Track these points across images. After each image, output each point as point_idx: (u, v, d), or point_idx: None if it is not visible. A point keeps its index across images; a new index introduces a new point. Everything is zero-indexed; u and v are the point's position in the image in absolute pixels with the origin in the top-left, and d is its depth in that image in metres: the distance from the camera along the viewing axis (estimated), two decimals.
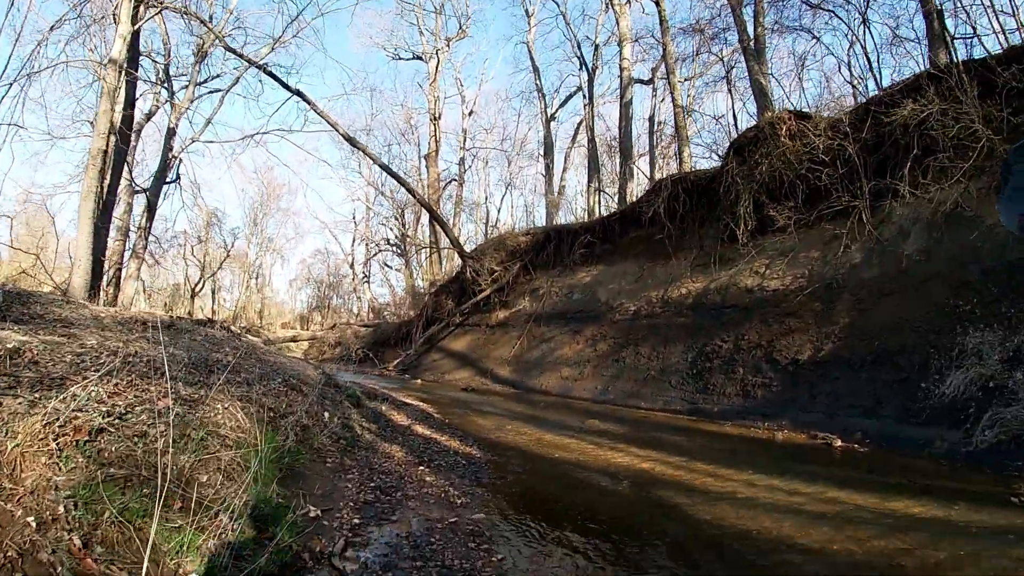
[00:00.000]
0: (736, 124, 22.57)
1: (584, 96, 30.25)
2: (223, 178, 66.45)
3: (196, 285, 45.28)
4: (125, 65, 12.49)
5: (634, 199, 19.60)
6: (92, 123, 14.87)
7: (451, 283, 23.00)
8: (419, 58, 38.05)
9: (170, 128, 21.15)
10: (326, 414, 6.17)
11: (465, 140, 41.14)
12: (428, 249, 34.13)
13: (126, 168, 20.20)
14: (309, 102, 17.27)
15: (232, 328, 33.12)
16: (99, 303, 13.91)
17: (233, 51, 17.46)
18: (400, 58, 38.92)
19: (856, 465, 6.95)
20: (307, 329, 44.57)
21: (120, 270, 19.54)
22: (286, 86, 16.97)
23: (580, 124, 39.19)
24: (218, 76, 23.22)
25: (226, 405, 4.19)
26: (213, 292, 51.57)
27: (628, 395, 13.05)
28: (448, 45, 36.40)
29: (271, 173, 51.97)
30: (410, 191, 22.99)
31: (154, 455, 3.00)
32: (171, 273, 49.16)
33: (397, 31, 47.19)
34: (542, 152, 36.49)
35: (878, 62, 18.35)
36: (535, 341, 17.80)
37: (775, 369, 10.69)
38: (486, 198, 45.87)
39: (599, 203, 26.59)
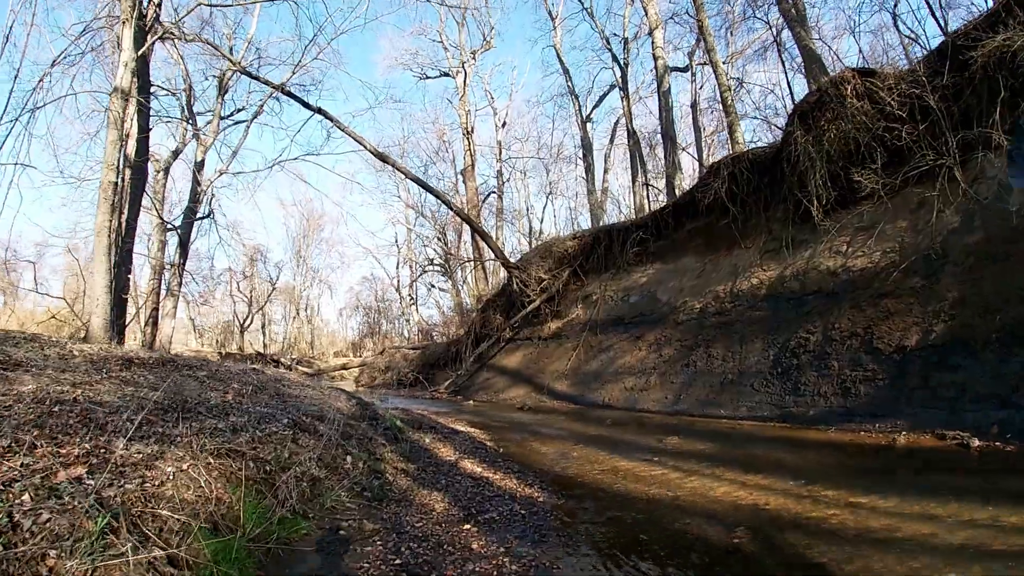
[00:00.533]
0: (791, 95, 20.84)
1: (619, 90, 28.85)
2: (259, 210, 67.05)
3: (245, 320, 45.33)
4: (134, 93, 11.75)
5: (684, 191, 18.10)
6: None
7: (498, 297, 21.79)
8: (446, 74, 37.44)
9: (197, 163, 20.68)
10: (348, 458, 4.99)
11: (501, 152, 40.22)
12: (472, 264, 33.06)
13: (155, 205, 19.76)
14: (332, 119, 16.42)
15: (282, 360, 32.63)
16: (125, 343, 13.21)
17: (250, 75, 16.78)
18: (427, 76, 38.27)
19: (1014, 469, 5.45)
20: (359, 356, 44.13)
21: (157, 309, 19.02)
22: (307, 105, 16.17)
23: (617, 123, 37.84)
24: (241, 109, 22.83)
25: (185, 465, 3.00)
26: (263, 326, 51.72)
27: (704, 403, 11.56)
28: (474, 57, 35.61)
29: (310, 204, 52.16)
30: (446, 203, 21.96)
31: (15, 564, 1.81)
32: (220, 311, 49.48)
33: (422, 50, 46.73)
34: (580, 155, 35.30)
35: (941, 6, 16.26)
36: (593, 351, 16.42)
37: (878, 360, 9.11)
38: (527, 209, 44.82)
39: (647, 198, 25.10)
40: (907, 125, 10.12)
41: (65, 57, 12.50)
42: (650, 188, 25.24)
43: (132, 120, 13.14)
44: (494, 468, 6.62)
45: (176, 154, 21.52)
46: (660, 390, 13.05)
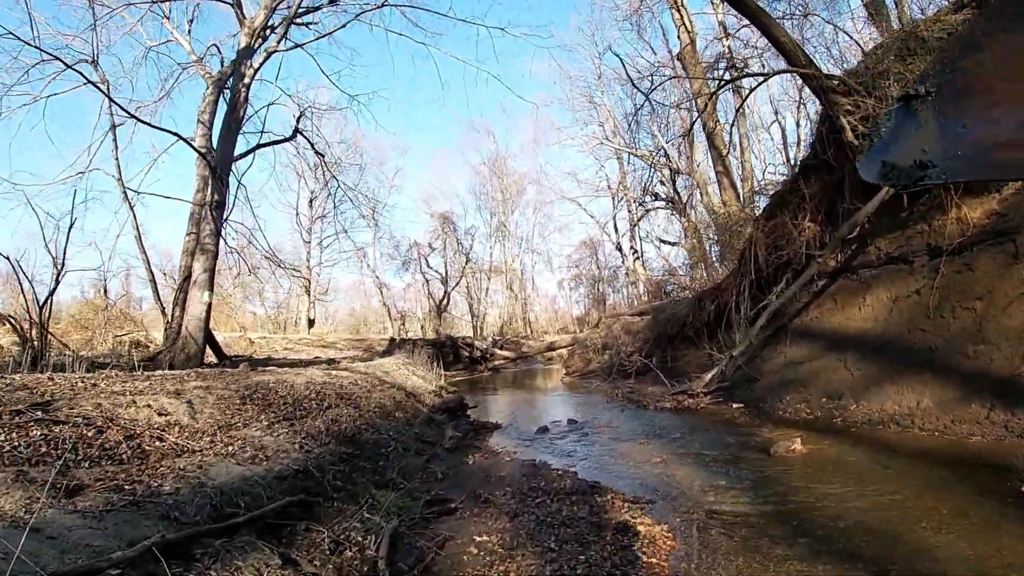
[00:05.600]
0: None
1: None
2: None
3: (441, 300, 38.51)
4: None
5: None
6: None
7: (807, 178, 10.01)
8: None
9: (240, 50, 12.55)
10: None
11: (726, 37, 27.83)
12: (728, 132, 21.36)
13: (201, 127, 12.08)
14: None
15: (475, 344, 24.33)
16: None
17: None
18: None
19: None
20: (583, 332, 35.20)
21: (188, 279, 11.26)
22: None
23: None
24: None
25: None
26: (470, 306, 44.91)
27: None
28: None
29: (503, 163, 44.01)
30: None
31: None
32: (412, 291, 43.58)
33: None
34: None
35: None
36: None
37: None
38: (775, 113, 31.70)
39: None
40: None
41: None
42: None
43: None
44: None
45: (239, 62, 13.54)
46: None
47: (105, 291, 15.84)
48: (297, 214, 31.52)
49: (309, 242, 31.19)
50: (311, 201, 31.28)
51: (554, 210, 45.62)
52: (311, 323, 29.69)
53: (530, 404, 13.44)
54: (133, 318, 15.58)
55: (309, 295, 30.04)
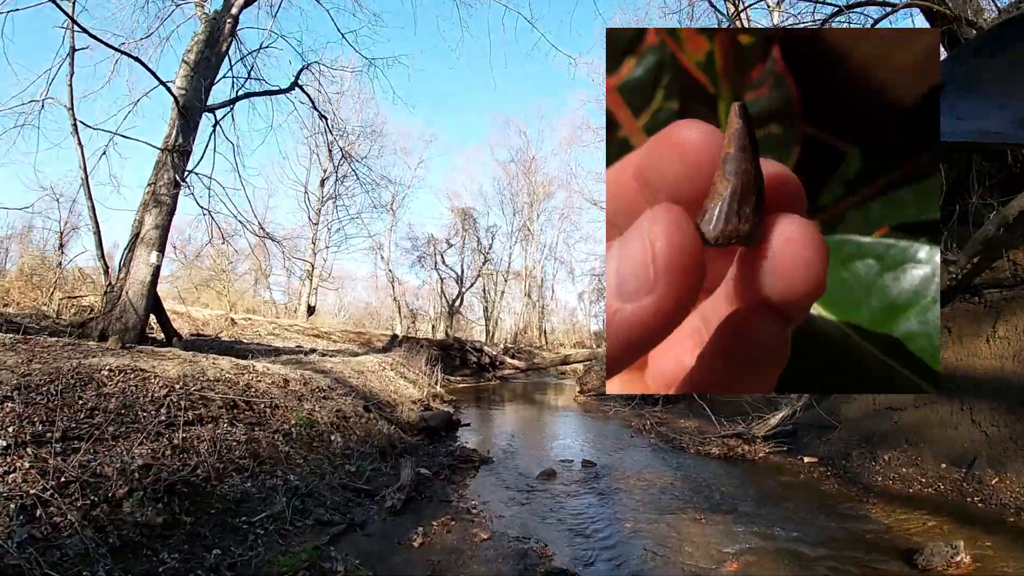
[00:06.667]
0: None
1: None
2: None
3: (454, 300, 36.37)
4: None
5: None
6: None
7: None
8: None
9: None
10: None
11: None
12: None
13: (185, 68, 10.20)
14: None
15: (485, 349, 22.09)
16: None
17: None
18: None
19: None
20: (602, 348, 32.90)
21: (137, 236, 9.30)
22: None
23: None
24: None
25: None
26: (485, 309, 42.74)
27: None
28: None
29: (532, 163, 41.66)
30: None
31: None
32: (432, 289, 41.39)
33: None
34: None
35: None
36: None
37: None
38: None
39: None
40: None
41: None
42: None
43: None
44: None
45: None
46: None
47: (61, 247, 13.95)
48: (306, 192, 29.58)
49: (317, 224, 29.21)
50: (323, 181, 29.33)
51: (582, 216, 43.09)
52: (311, 310, 27.68)
53: (536, 427, 11.21)
54: (92, 280, 13.67)
55: (311, 280, 28.06)
